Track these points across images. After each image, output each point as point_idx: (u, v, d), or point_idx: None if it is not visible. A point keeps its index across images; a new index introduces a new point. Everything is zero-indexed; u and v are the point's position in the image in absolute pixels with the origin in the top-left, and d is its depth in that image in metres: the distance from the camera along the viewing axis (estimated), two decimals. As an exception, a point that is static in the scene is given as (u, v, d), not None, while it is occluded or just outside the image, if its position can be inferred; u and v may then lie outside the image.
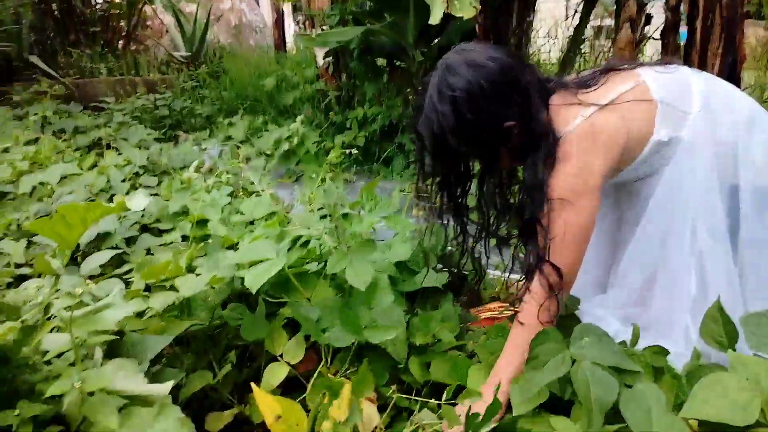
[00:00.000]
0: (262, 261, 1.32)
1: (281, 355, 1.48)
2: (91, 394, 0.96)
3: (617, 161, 1.29)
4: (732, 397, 1.00)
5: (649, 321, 1.40)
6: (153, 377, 1.29)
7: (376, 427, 1.30)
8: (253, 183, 2.55)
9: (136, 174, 3.13)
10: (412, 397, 1.30)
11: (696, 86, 1.35)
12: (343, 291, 1.50)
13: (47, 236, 1.26)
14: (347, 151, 3.02)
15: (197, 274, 1.49)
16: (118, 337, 1.23)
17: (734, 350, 1.17)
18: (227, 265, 1.53)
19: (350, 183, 3.70)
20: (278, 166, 3.80)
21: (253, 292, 1.21)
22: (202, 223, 2.10)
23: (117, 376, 1.01)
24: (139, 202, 1.32)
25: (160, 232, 2.37)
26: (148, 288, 1.58)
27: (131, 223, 2.29)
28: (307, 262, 1.48)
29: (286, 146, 3.64)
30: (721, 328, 1.19)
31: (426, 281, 1.73)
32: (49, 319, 1.03)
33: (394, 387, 1.40)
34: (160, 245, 2.19)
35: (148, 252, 2.12)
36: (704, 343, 1.20)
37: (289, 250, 1.32)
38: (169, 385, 1.05)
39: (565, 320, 1.38)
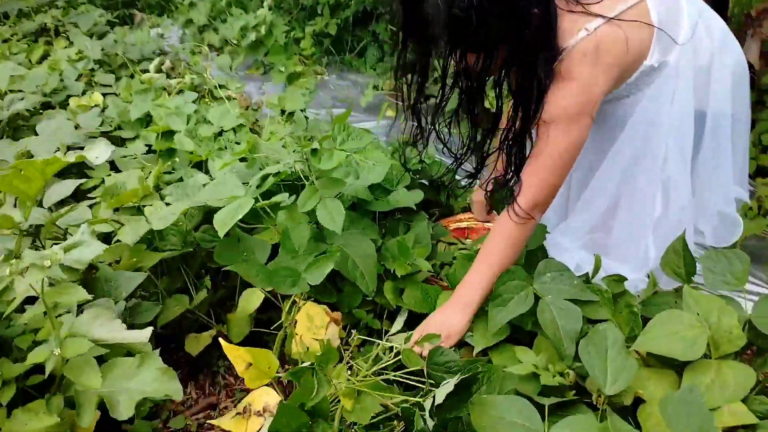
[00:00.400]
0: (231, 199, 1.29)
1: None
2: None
3: (615, 81, 1.23)
4: (682, 334, 1.06)
5: (610, 245, 1.44)
6: (129, 313, 1.31)
7: (349, 347, 1.37)
8: (219, 87, 2.43)
9: (92, 70, 2.92)
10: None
11: (685, 9, 1.29)
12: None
13: (6, 191, 1.20)
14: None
15: (167, 203, 1.46)
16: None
17: (689, 283, 1.24)
18: (197, 195, 1.49)
19: (322, 76, 3.55)
20: (245, 57, 3.59)
21: (221, 235, 1.20)
22: (168, 134, 2.02)
23: (94, 325, 1.02)
24: (100, 152, 1.24)
25: (123, 142, 2.28)
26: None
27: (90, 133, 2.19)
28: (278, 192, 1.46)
29: (252, 36, 3.40)
30: (681, 260, 1.24)
31: (400, 201, 1.73)
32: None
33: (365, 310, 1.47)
34: (124, 157, 2.11)
35: (112, 166, 2.05)
36: (663, 272, 1.26)
37: (258, 186, 1.28)
38: (148, 332, 1.07)
39: (535, 253, 1.42)
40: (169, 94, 2.48)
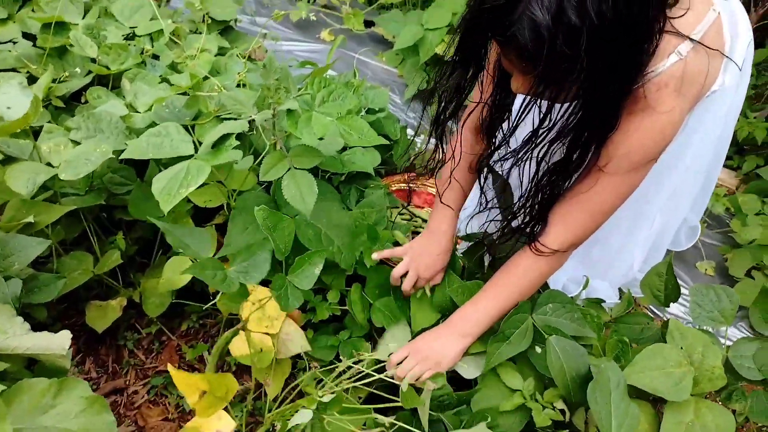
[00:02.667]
0: (173, 159, 0.97)
1: (187, 248, 1.23)
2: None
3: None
4: (668, 370, 1.04)
5: (598, 260, 1.37)
6: (27, 290, 1.00)
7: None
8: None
9: None
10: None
11: (741, 24, 1.04)
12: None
13: None
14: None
15: (74, 142, 1.10)
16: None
17: (667, 307, 1.22)
18: (116, 131, 1.15)
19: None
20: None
21: (165, 212, 0.91)
22: (60, 28, 1.54)
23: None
24: (14, 97, 0.85)
25: (-13, 20, 1.73)
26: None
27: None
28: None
29: None
30: (662, 285, 1.21)
31: (357, 164, 1.51)
32: None
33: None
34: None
35: (-24, 55, 1.54)
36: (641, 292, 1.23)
37: (214, 148, 0.99)
38: (66, 338, 0.80)
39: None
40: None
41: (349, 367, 1.07)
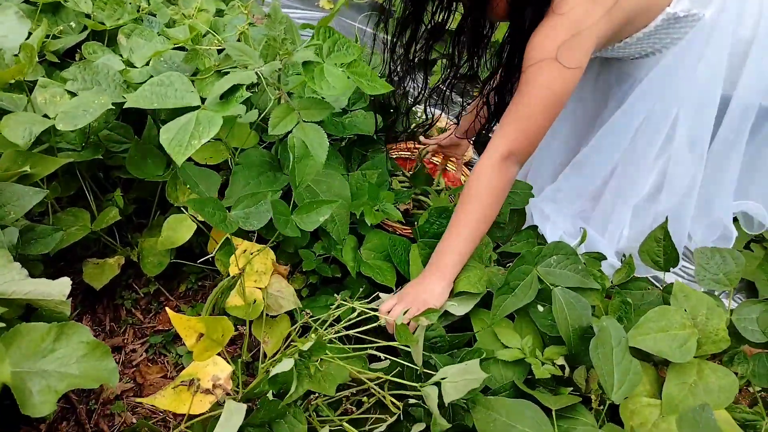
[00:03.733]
0: (179, 110, 0.95)
1: (186, 207, 1.21)
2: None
3: (619, 24, 1.07)
4: (673, 332, 1.03)
5: (593, 215, 1.37)
6: (23, 241, 0.98)
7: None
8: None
9: None
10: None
11: None
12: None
13: None
14: None
15: (70, 93, 1.07)
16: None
17: (667, 272, 1.22)
18: (114, 84, 1.12)
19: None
20: None
21: (179, 165, 0.88)
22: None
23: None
24: (11, 29, 0.82)
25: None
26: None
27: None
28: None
29: None
30: (661, 249, 1.20)
31: (358, 126, 1.49)
32: None
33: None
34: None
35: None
36: (639, 259, 1.22)
37: (222, 98, 0.96)
38: (66, 285, 0.78)
39: (513, 214, 1.30)
40: None
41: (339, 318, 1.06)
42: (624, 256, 1.35)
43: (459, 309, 1.09)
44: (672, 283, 1.11)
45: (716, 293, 1.23)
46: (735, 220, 1.50)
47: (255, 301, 1.10)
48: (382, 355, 1.01)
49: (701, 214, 1.33)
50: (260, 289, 1.13)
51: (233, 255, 1.10)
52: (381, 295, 1.14)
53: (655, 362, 1.09)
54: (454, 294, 1.09)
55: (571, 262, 1.08)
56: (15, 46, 0.93)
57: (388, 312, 1.05)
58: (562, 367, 1.01)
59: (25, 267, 0.91)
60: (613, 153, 1.28)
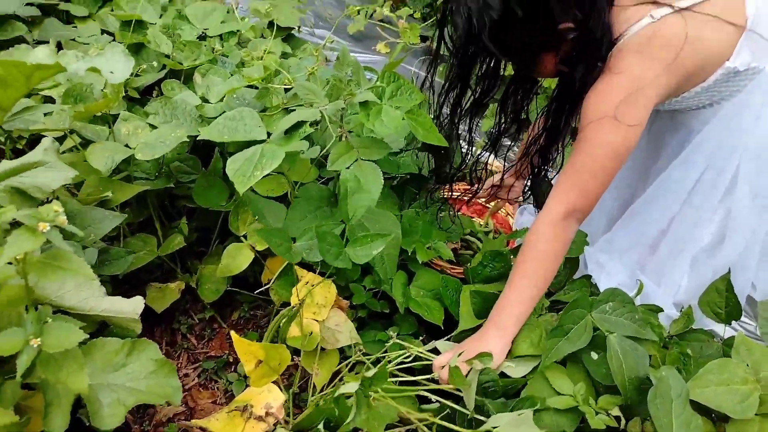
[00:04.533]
0: (246, 143, 1.01)
1: (245, 236, 1.26)
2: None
3: (677, 81, 1.06)
4: (735, 387, 1.00)
5: (650, 265, 1.34)
6: (98, 262, 1.04)
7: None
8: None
9: None
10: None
11: None
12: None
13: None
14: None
15: (151, 126, 1.16)
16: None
17: (728, 325, 1.18)
18: (190, 118, 1.20)
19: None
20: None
21: (240, 193, 0.94)
22: (138, 26, 1.63)
23: (77, 296, 0.76)
24: (118, 66, 0.91)
25: (69, 19, 1.84)
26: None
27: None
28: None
29: None
30: (723, 301, 1.17)
31: (410, 165, 1.53)
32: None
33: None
34: (74, 39, 1.70)
35: (59, 48, 1.64)
36: (700, 310, 1.19)
37: (287, 134, 1.02)
38: (140, 304, 0.83)
39: (567, 262, 1.29)
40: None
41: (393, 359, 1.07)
42: (682, 307, 1.31)
43: (517, 371, 1.08)
44: (733, 336, 1.08)
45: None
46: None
47: (311, 333, 1.13)
48: (433, 397, 1.02)
49: (764, 267, 1.29)
50: (317, 321, 1.15)
51: (295, 286, 1.14)
52: (438, 345, 1.14)
53: (714, 418, 1.05)
54: (515, 356, 1.09)
55: (627, 310, 1.06)
56: (121, 81, 1.02)
57: (443, 367, 1.05)
58: (617, 418, 0.98)
59: (98, 286, 0.97)
60: (670, 204, 1.27)
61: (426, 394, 1.02)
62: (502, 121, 1.29)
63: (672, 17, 1.00)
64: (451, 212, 1.74)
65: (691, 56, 1.03)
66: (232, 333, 0.88)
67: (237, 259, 1.24)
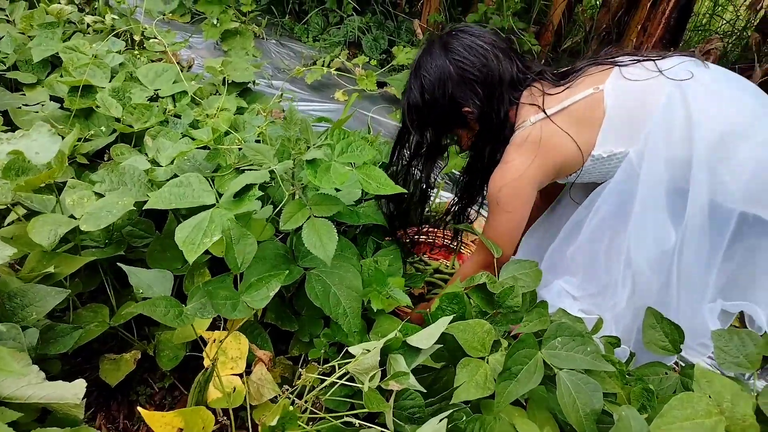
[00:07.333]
0: (196, 208, 0.99)
1: (202, 300, 1.23)
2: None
3: (554, 173, 1.30)
4: (699, 421, 1.00)
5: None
6: (42, 340, 1.00)
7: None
8: (146, 38, 2.02)
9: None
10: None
11: (664, 97, 1.17)
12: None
13: None
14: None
15: (98, 195, 1.13)
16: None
17: (679, 353, 1.19)
18: (139, 184, 1.18)
19: (260, 39, 3.17)
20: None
21: (190, 262, 0.92)
22: (87, 90, 1.62)
23: (14, 385, 0.73)
24: (43, 147, 0.90)
25: (17, 87, 1.82)
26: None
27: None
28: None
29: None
30: (662, 333, 1.19)
31: (371, 215, 1.53)
32: None
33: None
34: (21, 108, 1.68)
35: (5, 117, 1.62)
36: (648, 351, 1.21)
37: (236, 197, 1.01)
38: (81, 387, 0.79)
39: (526, 296, 1.29)
40: (84, 35, 2.03)
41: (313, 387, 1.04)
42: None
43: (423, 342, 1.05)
44: (691, 365, 1.09)
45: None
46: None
47: (234, 389, 1.09)
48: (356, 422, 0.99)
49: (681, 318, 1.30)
50: (238, 375, 1.12)
51: (204, 349, 1.11)
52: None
53: (683, 454, 1.04)
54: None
55: (578, 343, 1.05)
56: (45, 162, 1.00)
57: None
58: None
59: (43, 366, 0.93)
60: (595, 255, 1.37)
61: (351, 419, 0.99)
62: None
63: (538, 123, 1.26)
64: (415, 258, 1.74)
65: (553, 154, 1.26)
66: (140, 410, 0.85)
67: (195, 323, 1.20)
